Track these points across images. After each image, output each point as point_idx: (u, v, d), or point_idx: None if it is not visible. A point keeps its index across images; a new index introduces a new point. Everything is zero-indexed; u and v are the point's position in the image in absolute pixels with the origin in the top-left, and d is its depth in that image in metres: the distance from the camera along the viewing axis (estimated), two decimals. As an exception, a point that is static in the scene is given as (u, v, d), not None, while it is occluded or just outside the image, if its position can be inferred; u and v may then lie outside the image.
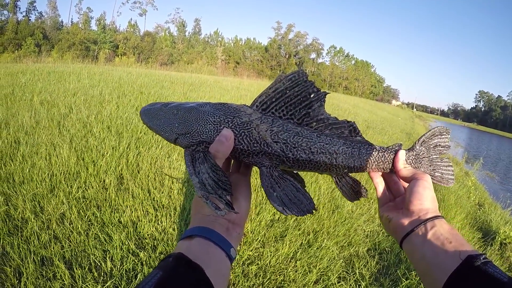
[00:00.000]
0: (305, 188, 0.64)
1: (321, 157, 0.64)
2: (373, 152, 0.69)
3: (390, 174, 0.73)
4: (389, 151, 0.70)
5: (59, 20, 48.10)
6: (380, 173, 0.73)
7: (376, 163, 0.69)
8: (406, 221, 0.62)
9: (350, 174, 0.72)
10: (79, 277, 1.88)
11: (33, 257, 1.95)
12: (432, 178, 0.71)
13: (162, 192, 2.89)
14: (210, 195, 0.52)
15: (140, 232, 2.31)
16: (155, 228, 2.38)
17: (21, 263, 1.91)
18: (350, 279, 2.29)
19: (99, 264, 2.01)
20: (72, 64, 14.22)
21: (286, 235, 2.57)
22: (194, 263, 0.48)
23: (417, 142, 0.75)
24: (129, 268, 2.02)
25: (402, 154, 0.70)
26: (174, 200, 2.78)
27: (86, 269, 1.96)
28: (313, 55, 61.34)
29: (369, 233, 3.02)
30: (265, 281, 2.12)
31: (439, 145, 0.76)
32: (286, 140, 0.62)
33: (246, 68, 46.85)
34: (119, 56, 39.91)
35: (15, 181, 2.70)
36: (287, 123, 0.63)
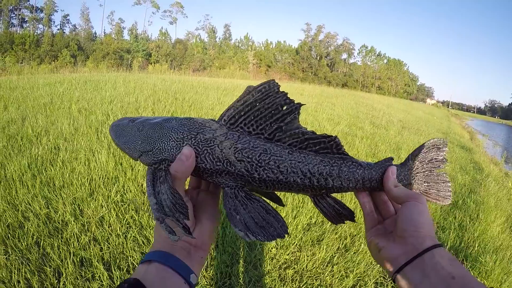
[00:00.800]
0: (279, 209, 0.59)
1: (292, 177, 0.58)
2: (357, 170, 0.61)
3: (379, 193, 0.65)
4: (377, 168, 0.63)
5: (92, 32, 50.56)
6: (367, 193, 0.66)
7: (361, 182, 0.62)
8: (399, 252, 0.54)
9: (333, 194, 0.65)
10: (117, 278, 1.95)
11: (72, 258, 2.04)
12: (427, 196, 0.66)
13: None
14: (167, 218, 0.49)
15: (180, 237, 2.38)
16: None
17: (61, 263, 2.00)
18: (387, 285, 2.26)
19: (137, 266, 2.09)
20: (107, 73, 14.65)
21: (323, 239, 2.57)
22: None
23: (410, 156, 0.69)
24: (169, 271, 2.09)
25: (392, 172, 0.62)
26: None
27: (124, 270, 2.03)
28: (344, 56, 60.57)
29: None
30: (301, 285, 2.13)
31: (435, 159, 0.68)
32: (251, 159, 0.56)
33: (278, 71, 46.92)
34: (152, 63, 40.98)
35: (55, 185, 2.85)
36: (254, 139, 0.57)
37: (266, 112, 0.57)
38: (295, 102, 0.58)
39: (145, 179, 3.07)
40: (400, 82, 63.88)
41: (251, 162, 0.56)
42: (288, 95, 0.58)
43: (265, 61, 52.01)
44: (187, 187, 0.65)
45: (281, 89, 0.58)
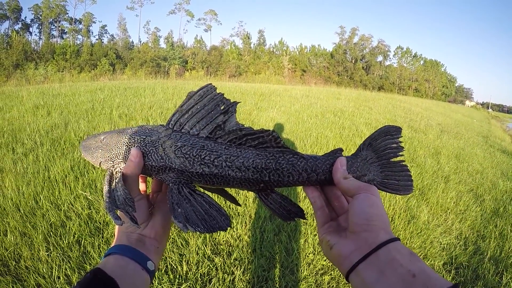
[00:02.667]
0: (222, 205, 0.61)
1: (227, 171, 0.60)
2: (298, 162, 0.60)
3: (332, 187, 0.61)
4: (323, 160, 0.61)
5: (129, 41, 52.56)
6: (317, 187, 0.63)
7: (304, 174, 0.60)
8: (352, 248, 0.49)
9: (278, 190, 0.65)
10: (155, 278, 1.99)
11: (112, 257, 2.11)
12: (385, 188, 0.63)
13: (238, 200, 2.97)
14: (118, 209, 0.56)
15: (215, 239, 2.40)
16: (231, 235, 2.45)
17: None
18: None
19: (175, 267, 2.11)
20: (146, 80, 15.13)
21: (359, 245, 2.50)
22: (109, 276, 0.51)
23: (362, 145, 0.66)
24: (204, 272, 2.11)
25: (341, 163, 0.59)
26: (250, 208, 2.84)
27: (163, 271, 2.06)
28: (379, 58, 59.39)
29: (445, 246, 2.83)
30: (338, 291, 2.09)
31: (390, 147, 0.65)
32: (189, 155, 0.60)
33: (313, 76, 46.61)
34: (189, 70, 41.97)
35: (97, 187, 2.95)
36: (194, 138, 0.62)
37: (206, 113, 0.63)
38: (231, 101, 0.63)
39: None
40: (438, 83, 61.74)
41: (189, 158, 0.60)
42: (225, 95, 0.64)
43: (300, 66, 51.78)
44: (149, 191, 0.72)
45: (221, 90, 0.64)
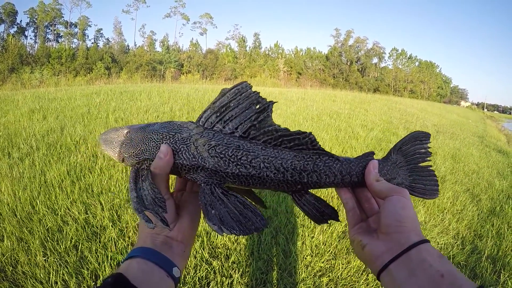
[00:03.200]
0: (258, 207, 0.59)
1: (265, 171, 0.58)
2: (334, 165, 0.61)
3: (362, 189, 0.63)
4: (356, 162, 0.62)
5: (125, 44, 52.57)
6: (349, 189, 0.64)
7: (339, 177, 0.61)
8: (383, 248, 0.51)
9: (312, 191, 0.64)
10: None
11: (110, 262, 2.10)
12: (412, 191, 0.64)
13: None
14: (147, 210, 0.52)
15: (213, 242, 2.39)
16: (228, 238, 2.45)
17: (98, 266, 2.06)
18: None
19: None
20: (141, 83, 15.09)
21: (357, 246, 2.51)
22: (131, 285, 0.47)
23: (392, 149, 0.67)
24: (202, 276, 2.10)
25: (373, 166, 0.61)
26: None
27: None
28: (375, 60, 59.60)
29: (443, 245, 2.85)
30: (336, 292, 2.10)
31: (419, 152, 0.67)
32: (224, 154, 0.58)
33: (309, 78, 46.58)
34: (185, 74, 41.86)
35: (93, 192, 2.94)
36: (228, 137, 0.59)
37: (240, 112, 0.60)
38: (267, 100, 0.60)
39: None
40: (433, 84, 62.00)
41: (224, 157, 0.58)
42: (260, 95, 0.60)
43: (296, 68, 51.81)
44: (172, 190, 0.67)
45: (254, 89, 0.60)
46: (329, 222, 0.63)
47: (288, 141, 0.60)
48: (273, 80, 36.96)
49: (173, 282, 0.54)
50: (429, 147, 0.68)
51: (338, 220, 0.63)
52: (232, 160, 0.58)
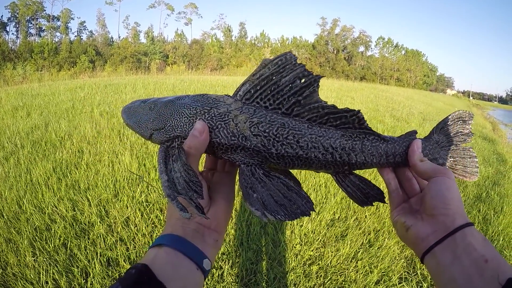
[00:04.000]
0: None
1: (313, 152, 0.54)
2: (380, 144, 0.58)
3: (403, 169, 0.61)
4: (400, 142, 0.59)
5: (109, 37, 51.90)
6: (391, 169, 0.61)
7: (385, 157, 0.58)
8: (428, 231, 0.50)
9: (356, 172, 0.61)
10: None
11: (99, 259, 2.08)
12: (453, 171, 0.62)
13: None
14: (180, 196, 0.46)
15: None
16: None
17: (88, 264, 2.04)
18: (411, 280, 2.22)
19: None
20: (126, 76, 14.91)
21: (347, 235, 2.54)
22: (156, 280, 0.43)
23: (435, 129, 0.64)
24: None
25: (417, 145, 0.58)
26: (235, 201, 2.85)
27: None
28: (361, 49, 59.83)
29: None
30: (326, 281, 2.12)
31: (461, 132, 0.64)
32: (268, 133, 0.53)
33: (295, 67, 46.67)
34: (170, 65, 41.55)
35: (80, 188, 2.90)
36: (271, 113, 0.54)
37: (283, 86, 0.54)
38: (314, 74, 0.54)
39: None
40: (419, 73, 62.63)
41: (268, 136, 0.53)
42: (306, 67, 0.54)
43: (282, 57, 51.68)
44: (201, 169, 0.62)
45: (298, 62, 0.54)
46: (373, 204, 0.60)
47: (335, 119, 0.55)
48: (260, 70, 36.81)
49: (203, 275, 0.49)
50: (471, 128, 0.66)
51: (384, 202, 0.61)
52: (277, 139, 0.53)
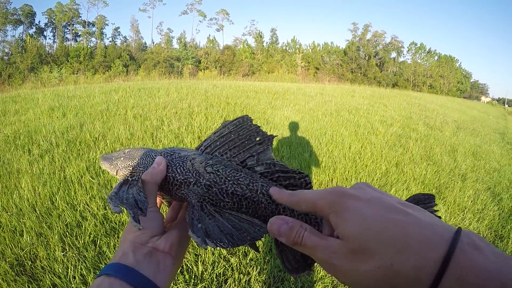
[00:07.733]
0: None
1: (261, 198, 0.54)
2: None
3: None
4: None
5: (142, 42, 53.24)
6: None
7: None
8: None
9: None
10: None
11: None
12: None
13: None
14: (122, 206, 0.48)
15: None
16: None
17: (116, 261, 2.08)
18: None
19: (190, 267, 2.11)
20: (159, 80, 15.20)
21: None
22: None
23: None
24: (220, 273, 2.10)
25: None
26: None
27: (178, 271, 2.07)
28: (393, 54, 58.63)
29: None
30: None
31: None
32: (220, 172, 0.56)
33: (327, 73, 46.20)
34: (202, 70, 42.13)
35: (112, 187, 2.95)
36: (227, 160, 0.58)
37: (239, 142, 0.59)
38: (268, 134, 0.60)
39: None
40: (453, 79, 60.55)
41: (220, 175, 0.56)
42: (261, 128, 0.61)
43: (313, 63, 51.31)
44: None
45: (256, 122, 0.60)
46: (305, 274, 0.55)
47: (284, 179, 0.58)
48: (291, 76, 36.87)
49: None
50: (436, 210, 0.60)
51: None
52: (229, 178, 0.56)
